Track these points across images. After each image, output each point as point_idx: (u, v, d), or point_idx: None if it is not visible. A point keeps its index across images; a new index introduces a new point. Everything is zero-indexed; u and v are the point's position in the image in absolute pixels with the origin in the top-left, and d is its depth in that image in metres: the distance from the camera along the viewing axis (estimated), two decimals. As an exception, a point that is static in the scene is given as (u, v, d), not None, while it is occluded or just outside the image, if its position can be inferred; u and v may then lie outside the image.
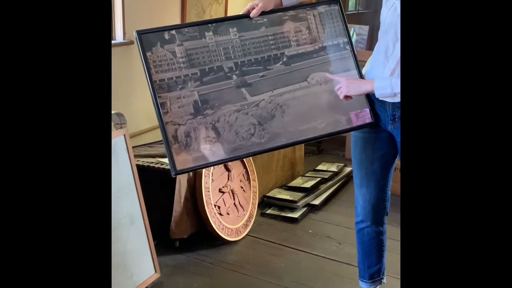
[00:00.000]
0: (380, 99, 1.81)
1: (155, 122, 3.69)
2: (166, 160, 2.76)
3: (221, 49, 1.79)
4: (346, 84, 1.78)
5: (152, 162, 2.81)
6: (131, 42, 3.30)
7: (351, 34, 2.01)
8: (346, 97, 1.79)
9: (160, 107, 1.69)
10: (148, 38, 1.73)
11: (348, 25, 1.98)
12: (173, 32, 1.76)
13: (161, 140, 3.17)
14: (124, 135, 2.40)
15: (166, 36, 1.75)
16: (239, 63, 1.81)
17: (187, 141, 1.70)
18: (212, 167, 2.80)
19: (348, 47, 1.94)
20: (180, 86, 1.73)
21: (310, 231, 3.08)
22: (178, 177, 2.69)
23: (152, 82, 1.70)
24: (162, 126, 1.69)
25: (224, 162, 1.83)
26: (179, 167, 1.68)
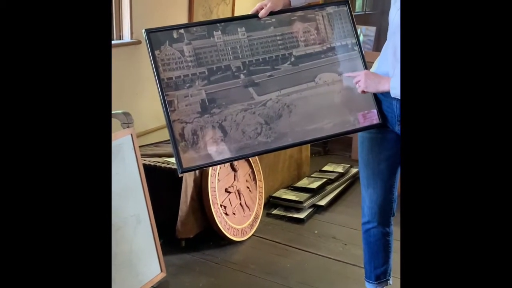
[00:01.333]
0: (387, 98, 1.81)
1: (162, 121, 3.69)
2: (172, 159, 2.76)
3: (229, 49, 1.80)
4: (365, 79, 1.79)
5: (159, 162, 2.82)
6: (139, 42, 3.31)
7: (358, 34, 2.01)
8: (363, 91, 1.81)
9: (167, 105, 1.70)
10: (156, 37, 1.74)
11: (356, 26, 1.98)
12: (182, 31, 1.77)
13: (167, 140, 3.18)
14: (131, 134, 2.41)
15: (175, 35, 1.76)
16: (247, 62, 1.81)
17: (193, 139, 1.71)
18: (218, 167, 2.81)
19: (356, 48, 1.94)
20: (187, 85, 1.74)
21: (316, 231, 3.08)
22: (185, 176, 2.69)
23: (160, 80, 1.71)
24: (169, 124, 1.70)
25: (230, 161, 1.83)
26: (185, 165, 1.69)
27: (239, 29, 1.82)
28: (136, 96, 3.38)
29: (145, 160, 2.79)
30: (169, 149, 2.98)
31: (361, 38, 4.78)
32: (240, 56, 1.81)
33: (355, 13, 1.79)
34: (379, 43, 4.72)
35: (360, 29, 4.78)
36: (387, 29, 1.85)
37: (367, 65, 1.94)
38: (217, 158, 1.72)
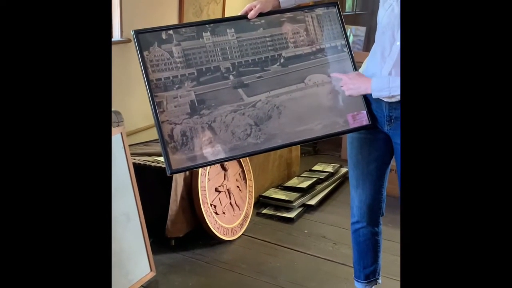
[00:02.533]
0: (377, 99, 1.82)
1: (151, 120, 3.66)
2: (162, 158, 2.76)
3: (219, 50, 1.80)
4: (347, 86, 1.81)
5: (149, 161, 2.81)
6: (129, 40, 3.30)
7: (348, 35, 2.01)
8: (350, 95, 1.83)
9: (156, 106, 1.69)
10: (145, 38, 1.73)
11: (345, 26, 1.99)
12: (171, 32, 1.76)
13: (157, 139, 3.16)
14: (121, 133, 2.40)
15: (164, 36, 1.75)
16: (236, 63, 1.81)
17: (183, 140, 1.70)
18: (208, 166, 2.80)
19: (345, 49, 1.94)
20: (176, 86, 1.73)
21: (305, 231, 3.09)
22: (175, 176, 2.69)
23: (149, 81, 1.70)
24: (158, 125, 1.69)
25: (220, 162, 1.83)
26: (174, 166, 1.68)
27: (228, 30, 1.82)
28: (126, 95, 3.37)
29: (135, 159, 2.78)
30: (158, 148, 2.96)
31: (351, 38, 4.81)
32: (230, 57, 1.81)
33: (345, 13, 1.80)
34: (369, 43, 4.74)
35: (350, 29, 4.80)
36: (376, 30, 1.86)
37: (356, 66, 1.94)
38: (206, 159, 1.72)
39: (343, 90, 1.83)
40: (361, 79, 1.81)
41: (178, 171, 1.70)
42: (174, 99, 1.72)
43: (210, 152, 1.72)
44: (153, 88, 1.70)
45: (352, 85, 1.80)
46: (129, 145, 2.57)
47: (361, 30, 4.82)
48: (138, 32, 1.73)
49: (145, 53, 1.72)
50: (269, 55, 1.85)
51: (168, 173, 1.68)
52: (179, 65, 1.74)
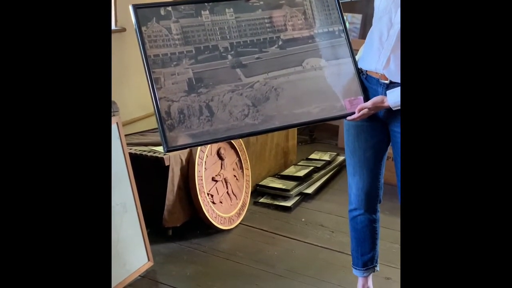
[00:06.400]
0: (373, 86, 1.81)
1: (147, 110, 3.66)
2: (159, 148, 2.75)
3: (217, 29, 1.79)
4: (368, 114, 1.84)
5: (145, 151, 2.79)
6: (123, 29, 3.27)
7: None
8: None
9: (154, 83, 1.68)
10: (143, 13, 1.72)
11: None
12: (169, 8, 1.75)
13: (153, 129, 3.16)
14: (117, 123, 2.39)
15: (162, 12, 1.74)
16: (235, 43, 1.81)
17: (180, 118, 1.69)
18: (205, 156, 2.80)
19: (343, 34, 1.93)
20: (174, 63, 1.73)
21: (303, 219, 3.09)
22: (171, 165, 2.68)
23: (146, 57, 1.70)
24: (155, 101, 1.68)
25: (216, 142, 1.82)
26: (171, 143, 1.67)
27: (227, 10, 1.81)
28: (121, 84, 3.34)
29: (131, 149, 2.76)
30: (155, 137, 2.96)
31: (347, 25, 4.77)
32: (228, 37, 1.80)
33: (341, 1, 1.80)
34: (365, 30, 4.72)
35: (346, 16, 4.77)
36: (373, 16, 1.85)
37: (353, 52, 1.93)
38: (203, 138, 1.71)
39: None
40: (375, 105, 1.81)
41: (175, 149, 1.69)
42: (171, 76, 1.71)
43: (207, 131, 1.71)
44: (151, 64, 1.70)
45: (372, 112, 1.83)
46: (125, 135, 2.55)
47: (357, 18, 4.80)
48: (136, 7, 1.73)
49: (143, 28, 1.71)
50: (268, 37, 1.85)
51: (164, 150, 1.68)
52: (177, 42, 1.74)
